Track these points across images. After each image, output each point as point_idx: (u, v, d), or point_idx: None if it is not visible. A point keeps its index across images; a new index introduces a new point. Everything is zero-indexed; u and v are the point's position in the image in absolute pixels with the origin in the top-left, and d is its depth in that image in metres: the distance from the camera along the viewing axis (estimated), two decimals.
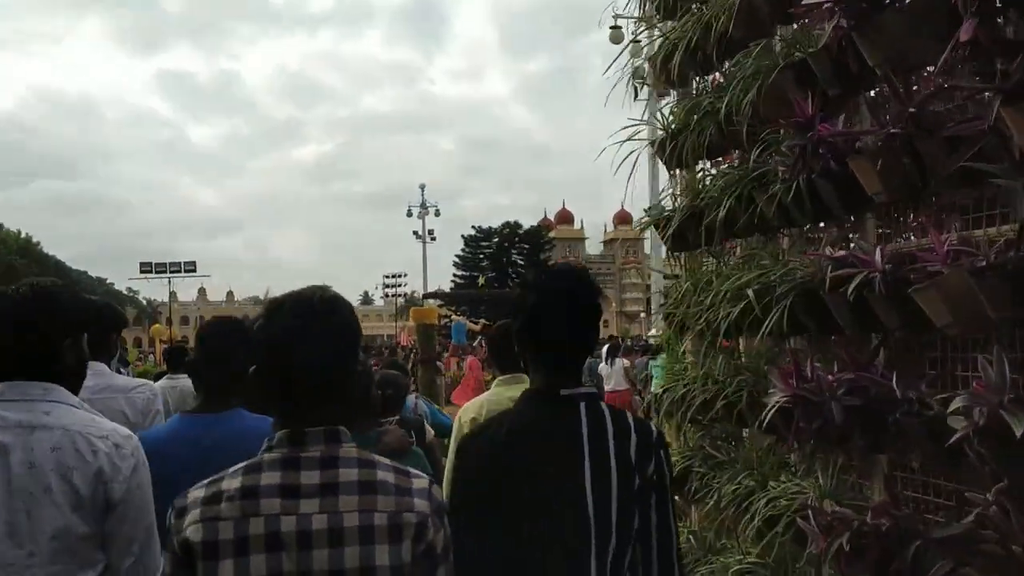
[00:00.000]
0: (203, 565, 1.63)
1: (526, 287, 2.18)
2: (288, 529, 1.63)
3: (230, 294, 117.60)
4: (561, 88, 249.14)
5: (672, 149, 4.16)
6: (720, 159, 4.33)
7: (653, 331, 34.61)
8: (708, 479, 3.89)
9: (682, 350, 4.69)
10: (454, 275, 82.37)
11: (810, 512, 2.97)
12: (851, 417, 2.79)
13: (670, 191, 4.49)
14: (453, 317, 37.87)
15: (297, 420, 1.73)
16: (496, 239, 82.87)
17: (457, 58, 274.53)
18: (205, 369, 3.05)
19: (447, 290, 69.51)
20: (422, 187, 56.08)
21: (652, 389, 14.59)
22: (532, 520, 2.00)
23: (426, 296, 43.28)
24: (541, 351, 2.14)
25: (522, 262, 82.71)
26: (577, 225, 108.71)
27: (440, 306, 42.55)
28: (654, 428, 2.17)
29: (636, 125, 4.38)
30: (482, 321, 36.86)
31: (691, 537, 4.10)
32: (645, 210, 4.58)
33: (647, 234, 5.08)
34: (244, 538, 1.62)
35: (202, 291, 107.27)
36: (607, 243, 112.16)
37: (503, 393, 3.76)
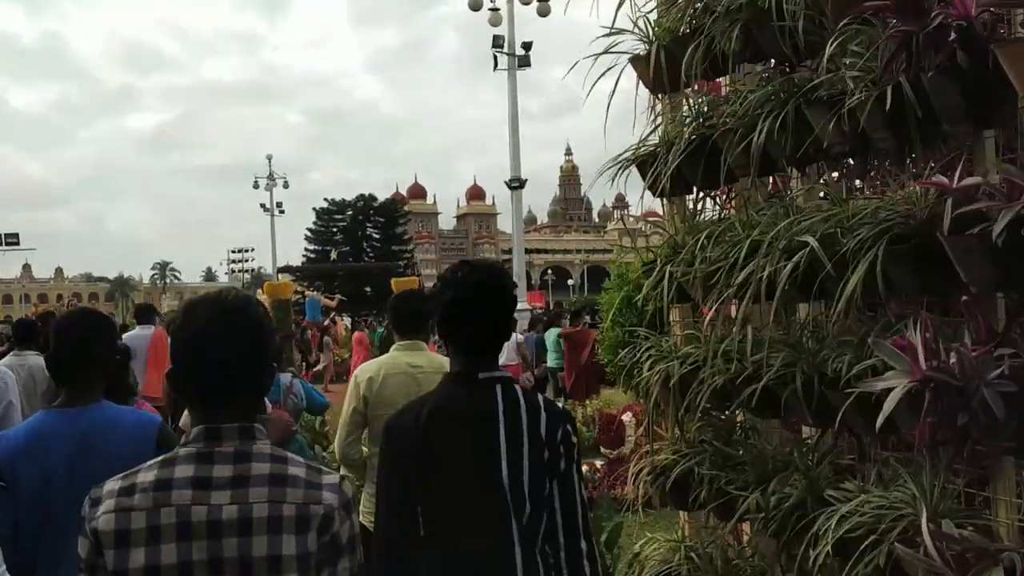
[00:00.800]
0: (113, 553, 1.69)
1: (444, 282, 2.37)
2: (199, 519, 1.70)
3: (59, 270, 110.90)
4: (411, 61, 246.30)
5: (669, 64, 3.23)
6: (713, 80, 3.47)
7: (521, 305, 34.18)
8: (719, 483, 3.04)
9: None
10: (306, 249, 79.60)
11: (927, 536, 2.15)
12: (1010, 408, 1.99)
13: (657, 121, 3.57)
14: (306, 293, 36.06)
15: (213, 417, 1.79)
16: (350, 212, 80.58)
17: (302, 27, 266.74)
18: (66, 362, 2.90)
19: (298, 265, 66.90)
20: (269, 158, 54.20)
21: (548, 363, 14.00)
22: (457, 494, 2.22)
23: (280, 270, 41.19)
24: (459, 339, 2.34)
25: (377, 236, 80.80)
26: (430, 200, 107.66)
27: (293, 281, 40.56)
28: (560, 406, 2.51)
29: (614, 33, 3.41)
30: (338, 296, 35.25)
31: (693, 555, 3.25)
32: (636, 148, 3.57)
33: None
34: (155, 527, 1.69)
35: (27, 267, 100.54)
36: (460, 218, 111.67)
37: (400, 358, 3.89)
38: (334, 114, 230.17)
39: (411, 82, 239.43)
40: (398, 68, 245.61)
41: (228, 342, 1.78)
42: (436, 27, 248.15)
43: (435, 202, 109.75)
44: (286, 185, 54.53)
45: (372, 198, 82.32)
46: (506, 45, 35.20)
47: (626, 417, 8.43)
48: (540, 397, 2.39)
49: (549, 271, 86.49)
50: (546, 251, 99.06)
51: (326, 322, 26.43)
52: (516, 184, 35.84)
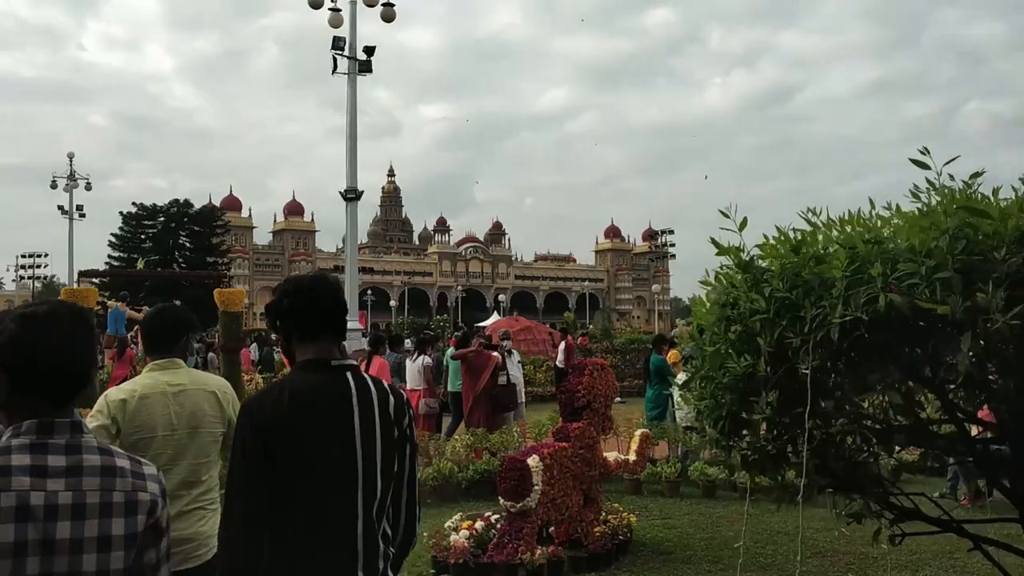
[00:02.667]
0: None
1: (282, 293, 2.63)
2: (37, 503, 1.86)
3: None
4: (229, 71, 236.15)
5: None
6: None
7: (353, 324, 32.15)
8: None
9: None
10: (109, 256, 73.94)
11: None
12: None
13: None
14: (109, 303, 32.51)
15: (44, 411, 1.96)
16: (162, 218, 75.37)
17: (113, 27, 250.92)
18: None
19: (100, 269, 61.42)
20: (70, 157, 49.84)
21: (450, 388, 12.47)
22: (312, 471, 2.38)
23: (81, 275, 37.12)
24: (305, 334, 2.57)
25: (191, 245, 75.97)
26: (245, 213, 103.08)
27: (93, 287, 36.53)
28: (402, 391, 2.74)
29: None
30: (145, 308, 31.99)
31: None
32: None
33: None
34: None
35: None
36: (276, 234, 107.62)
37: (159, 377, 3.71)
38: (144, 120, 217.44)
39: (228, 93, 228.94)
40: (215, 77, 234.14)
41: (62, 346, 1.98)
42: (257, 39, 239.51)
43: (251, 216, 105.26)
44: (88, 187, 50.35)
45: (188, 204, 77.75)
46: (347, 47, 33.35)
47: (531, 461, 6.83)
48: (385, 382, 2.61)
49: (369, 291, 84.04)
50: (366, 271, 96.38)
51: (130, 335, 23.54)
52: (352, 195, 33.80)
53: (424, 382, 12.35)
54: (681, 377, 11.71)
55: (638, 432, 8.89)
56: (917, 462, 11.74)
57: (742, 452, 3.29)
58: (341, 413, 2.42)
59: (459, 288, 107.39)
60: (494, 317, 51.53)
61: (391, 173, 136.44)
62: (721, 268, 3.33)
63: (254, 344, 30.63)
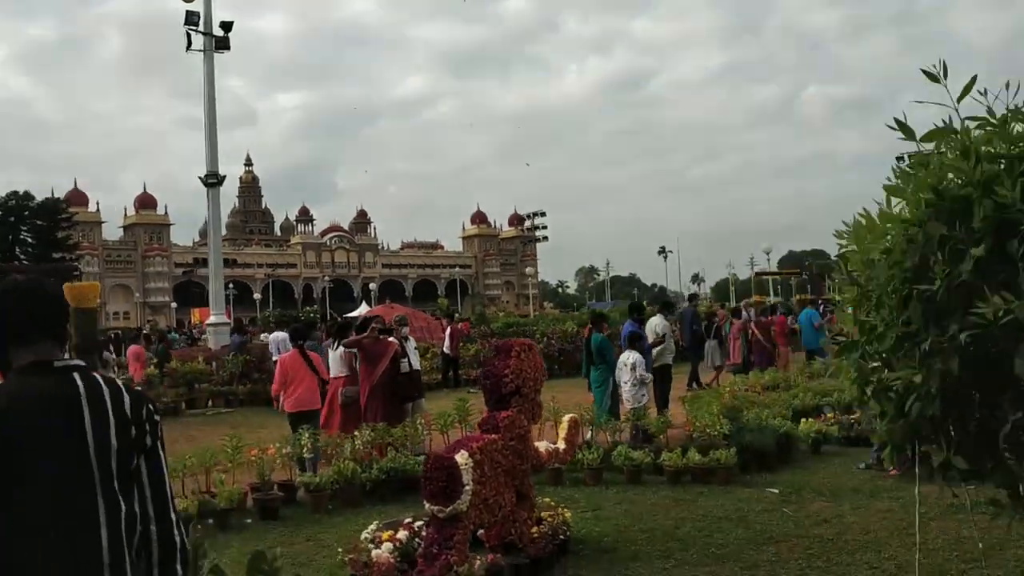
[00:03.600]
0: None
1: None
2: None
3: None
4: (68, 59, 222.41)
5: None
6: None
7: (219, 319, 30.21)
8: None
9: None
10: None
11: None
12: None
13: None
14: None
15: None
16: None
17: None
18: None
19: None
20: None
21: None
22: (39, 479, 2.20)
23: None
24: (22, 337, 2.40)
25: (33, 240, 70.91)
26: (92, 208, 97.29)
27: None
28: (139, 389, 2.73)
29: None
30: None
31: None
32: None
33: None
34: None
35: None
36: (128, 228, 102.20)
37: None
38: None
39: (68, 82, 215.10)
40: (52, 66, 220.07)
41: None
42: (98, 26, 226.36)
43: (99, 210, 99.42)
44: None
45: (28, 196, 72.50)
46: (202, 23, 31.21)
47: (460, 458, 5.88)
48: (119, 381, 2.48)
49: (231, 285, 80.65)
50: (227, 263, 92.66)
51: None
52: (213, 180, 31.74)
53: (347, 368, 11.22)
54: (631, 359, 11.20)
55: (566, 418, 8.07)
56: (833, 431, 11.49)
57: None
58: (69, 415, 2.28)
59: (325, 279, 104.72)
60: (363, 307, 50.12)
61: (248, 163, 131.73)
62: (912, 168, 2.39)
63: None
